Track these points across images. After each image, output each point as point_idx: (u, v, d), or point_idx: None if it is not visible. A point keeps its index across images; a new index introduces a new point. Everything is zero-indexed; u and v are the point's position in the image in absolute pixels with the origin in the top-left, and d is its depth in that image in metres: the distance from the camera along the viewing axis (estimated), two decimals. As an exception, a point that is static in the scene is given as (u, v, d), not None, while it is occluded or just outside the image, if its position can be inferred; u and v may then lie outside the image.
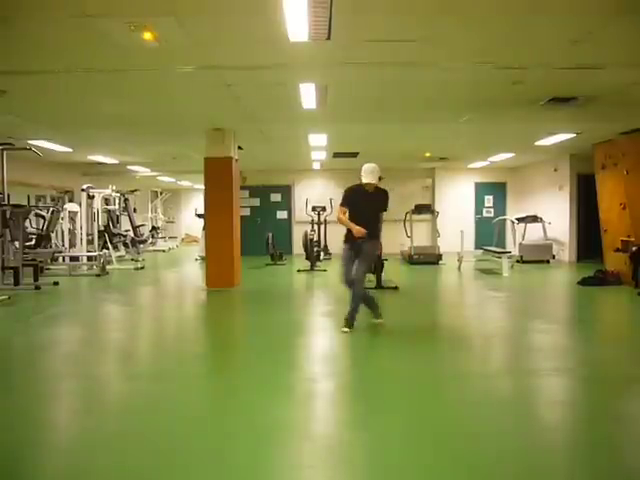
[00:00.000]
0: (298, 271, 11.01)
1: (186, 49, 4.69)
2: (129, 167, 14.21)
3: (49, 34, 4.30)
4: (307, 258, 11.33)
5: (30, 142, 9.16)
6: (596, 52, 4.80)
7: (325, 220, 13.37)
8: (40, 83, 5.72)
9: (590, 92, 6.26)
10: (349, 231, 5.34)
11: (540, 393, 3.83)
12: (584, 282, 8.61)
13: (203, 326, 6.50)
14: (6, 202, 8.68)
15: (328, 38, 4.34)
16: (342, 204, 5.46)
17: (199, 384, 4.05)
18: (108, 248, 12.05)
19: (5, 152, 8.76)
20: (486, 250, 11.77)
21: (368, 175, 5.27)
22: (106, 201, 13.13)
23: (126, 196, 14.61)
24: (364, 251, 5.34)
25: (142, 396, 3.70)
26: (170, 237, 19.89)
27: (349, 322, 5.41)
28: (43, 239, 10.79)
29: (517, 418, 3.23)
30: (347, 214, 5.38)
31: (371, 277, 8.76)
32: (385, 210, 5.53)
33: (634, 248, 8.28)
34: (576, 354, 4.76)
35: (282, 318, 6.38)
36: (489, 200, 15.78)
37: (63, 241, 11.61)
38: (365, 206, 5.34)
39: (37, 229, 11.38)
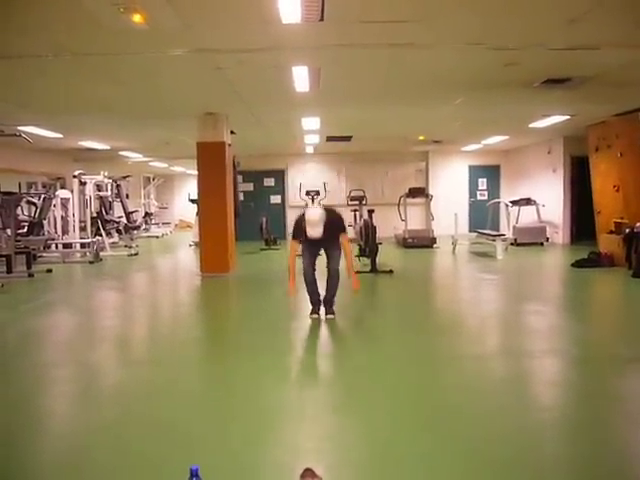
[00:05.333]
0: (293, 256, 10.95)
1: (177, 32, 4.60)
2: (121, 153, 14.07)
3: (36, 16, 4.19)
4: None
5: (20, 128, 9.02)
6: (592, 32, 4.74)
7: (319, 204, 13.30)
8: (29, 68, 5.60)
9: (585, 73, 6.22)
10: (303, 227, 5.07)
11: (535, 374, 3.86)
12: (578, 264, 8.64)
13: (199, 312, 6.49)
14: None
15: (321, 19, 4.28)
16: (294, 236, 5.23)
17: (197, 369, 4.06)
18: (101, 235, 11.97)
19: (-6, 139, 8.67)
20: (480, 233, 11.80)
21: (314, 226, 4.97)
22: (98, 187, 13.02)
23: (118, 182, 14.48)
24: (331, 253, 5.31)
25: (141, 381, 3.71)
26: (164, 223, 19.76)
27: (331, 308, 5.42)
28: (35, 226, 10.71)
29: (511, 398, 3.25)
30: (300, 249, 5.26)
31: (366, 261, 8.77)
32: (344, 230, 5.25)
33: (627, 230, 8.31)
34: (570, 335, 4.79)
35: (278, 303, 6.40)
36: (483, 183, 15.78)
37: (56, 228, 11.53)
38: (317, 241, 5.10)
39: (29, 216, 11.29)
